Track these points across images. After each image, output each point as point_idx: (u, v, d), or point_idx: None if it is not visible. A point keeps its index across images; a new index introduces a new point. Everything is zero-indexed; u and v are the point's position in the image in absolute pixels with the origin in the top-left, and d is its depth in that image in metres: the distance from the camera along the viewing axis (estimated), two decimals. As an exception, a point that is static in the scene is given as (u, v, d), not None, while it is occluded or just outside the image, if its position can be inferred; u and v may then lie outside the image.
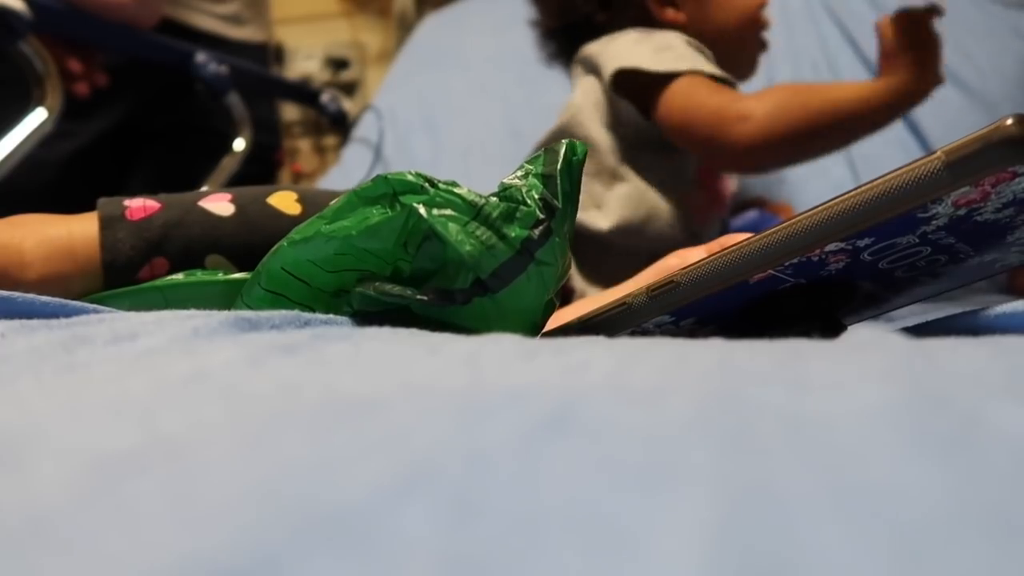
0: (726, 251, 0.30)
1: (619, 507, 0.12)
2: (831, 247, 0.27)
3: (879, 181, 0.25)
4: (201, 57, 1.01)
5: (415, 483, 0.12)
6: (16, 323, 0.28)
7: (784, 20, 1.13)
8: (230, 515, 0.12)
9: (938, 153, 0.24)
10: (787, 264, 0.28)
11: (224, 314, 0.30)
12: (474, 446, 0.14)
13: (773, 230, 0.28)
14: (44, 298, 0.32)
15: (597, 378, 0.19)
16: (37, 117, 0.86)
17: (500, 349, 0.23)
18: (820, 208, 0.27)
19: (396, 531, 0.11)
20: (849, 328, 0.32)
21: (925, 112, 1.01)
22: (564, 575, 0.10)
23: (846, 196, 0.26)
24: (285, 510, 0.12)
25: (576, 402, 0.16)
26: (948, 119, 1.00)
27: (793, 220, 0.27)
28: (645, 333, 0.33)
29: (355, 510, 0.12)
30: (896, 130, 1.02)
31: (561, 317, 0.37)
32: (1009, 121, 0.23)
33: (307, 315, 0.32)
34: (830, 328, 0.31)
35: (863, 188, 0.26)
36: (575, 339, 0.26)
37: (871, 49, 1.02)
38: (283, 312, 0.31)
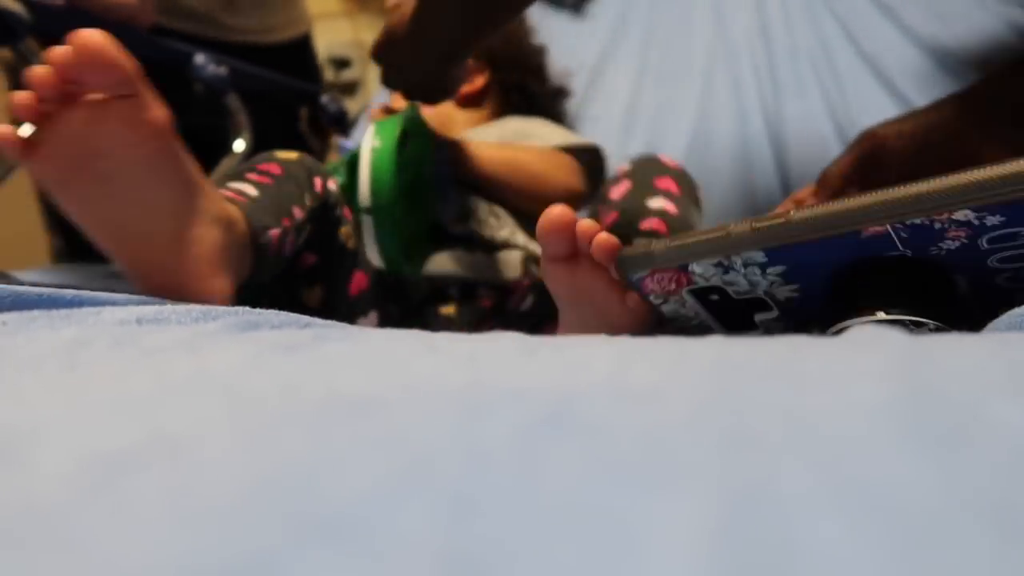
0: (849, 197, 0.29)
1: (618, 504, 0.12)
2: (959, 215, 0.27)
3: None
4: (200, 58, 1.01)
5: (414, 481, 0.12)
6: (17, 315, 0.28)
7: (784, 17, 1.13)
8: (229, 512, 0.12)
9: None
10: (907, 223, 0.28)
11: (227, 314, 0.30)
12: (473, 444, 0.14)
13: (908, 185, 0.27)
14: (49, 290, 0.31)
15: (596, 376, 0.19)
16: (37, 119, 0.86)
17: (499, 347, 0.23)
18: (969, 171, 0.26)
19: (395, 528, 0.11)
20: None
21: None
22: (563, 572, 0.10)
23: (997, 165, 0.26)
24: (284, 508, 0.12)
25: (575, 400, 0.16)
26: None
27: (934, 178, 0.27)
28: (728, 269, 0.32)
29: (354, 507, 0.12)
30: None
31: None
32: None
33: (307, 317, 0.33)
34: (915, 326, 0.30)
35: (1018, 160, 0.26)
36: (575, 338, 0.26)
37: (872, 46, 1.02)
38: (284, 313, 0.31)
